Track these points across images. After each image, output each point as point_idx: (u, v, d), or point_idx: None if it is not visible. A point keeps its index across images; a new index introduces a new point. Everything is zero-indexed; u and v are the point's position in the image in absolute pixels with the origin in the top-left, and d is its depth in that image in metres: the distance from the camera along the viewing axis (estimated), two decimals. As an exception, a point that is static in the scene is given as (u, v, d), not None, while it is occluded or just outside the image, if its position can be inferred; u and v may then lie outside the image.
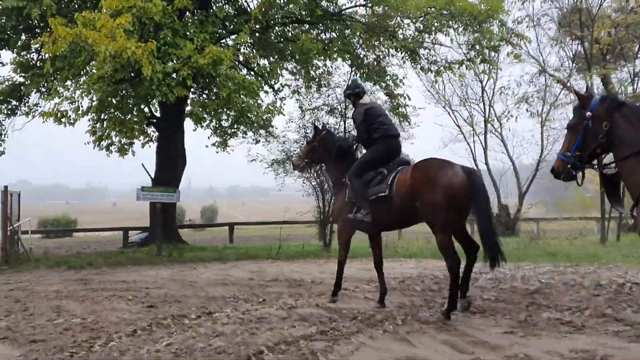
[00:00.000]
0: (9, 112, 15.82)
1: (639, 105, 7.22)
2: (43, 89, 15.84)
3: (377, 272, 6.59)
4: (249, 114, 11.72)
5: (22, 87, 15.30)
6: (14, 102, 15.78)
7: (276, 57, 12.76)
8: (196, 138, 19.70)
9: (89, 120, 12.13)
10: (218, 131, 16.02)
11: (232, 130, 14.09)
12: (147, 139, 17.26)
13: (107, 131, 12.20)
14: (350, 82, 7.55)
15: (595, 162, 4.29)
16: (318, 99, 13.76)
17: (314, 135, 7.24)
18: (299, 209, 14.30)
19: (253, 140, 14.78)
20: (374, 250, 6.68)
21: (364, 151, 6.85)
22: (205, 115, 12.79)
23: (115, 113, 11.37)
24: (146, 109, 13.60)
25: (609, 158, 4.34)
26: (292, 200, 17.25)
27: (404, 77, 15.01)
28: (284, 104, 13.89)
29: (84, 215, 38.62)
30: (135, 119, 11.91)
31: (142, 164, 15.20)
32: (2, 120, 15.88)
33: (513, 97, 19.73)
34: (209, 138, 17.46)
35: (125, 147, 17.49)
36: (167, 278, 9.35)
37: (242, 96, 11.13)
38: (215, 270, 10.20)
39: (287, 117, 13.46)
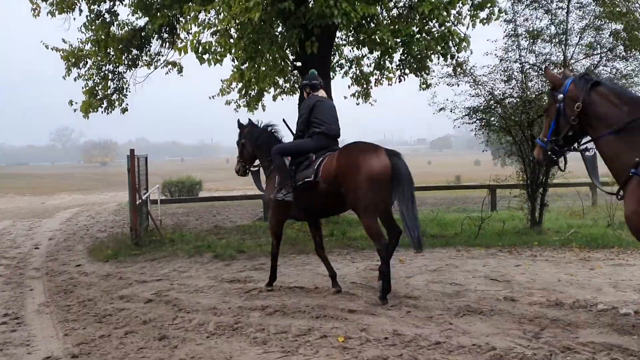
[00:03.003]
0: (129, 62, 13.70)
1: (616, 83, 6.99)
2: (165, 35, 13.54)
3: (320, 257, 6.49)
4: (449, 42, 8.14)
5: (142, 33, 13.01)
6: (134, 52, 13.60)
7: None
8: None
9: (232, 60, 9.14)
10: (384, 70, 12.33)
11: (413, 66, 10.33)
12: (278, 89, 14.61)
13: (257, 75, 8.86)
14: (309, 73, 6.74)
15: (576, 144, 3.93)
16: (528, 19, 9.90)
17: (239, 134, 7.02)
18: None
19: (442, 80, 10.86)
20: (314, 238, 6.54)
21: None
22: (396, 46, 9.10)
23: (272, 48, 8.20)
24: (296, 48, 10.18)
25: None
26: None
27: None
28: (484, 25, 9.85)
29: (199, 172, 37.45)
30: (289, 59, 8.72)
31: (284, 119, 12.47)
32: (123, 72, 13.79)
33: None
34: (349, 87, 14.67)
35: (255, 99, 14.92)
36: (363, 285, 6.45)
37: (443, 13, 7.60)
38: (416, 264, 7.08)
39: (487, 51, 9.79)
